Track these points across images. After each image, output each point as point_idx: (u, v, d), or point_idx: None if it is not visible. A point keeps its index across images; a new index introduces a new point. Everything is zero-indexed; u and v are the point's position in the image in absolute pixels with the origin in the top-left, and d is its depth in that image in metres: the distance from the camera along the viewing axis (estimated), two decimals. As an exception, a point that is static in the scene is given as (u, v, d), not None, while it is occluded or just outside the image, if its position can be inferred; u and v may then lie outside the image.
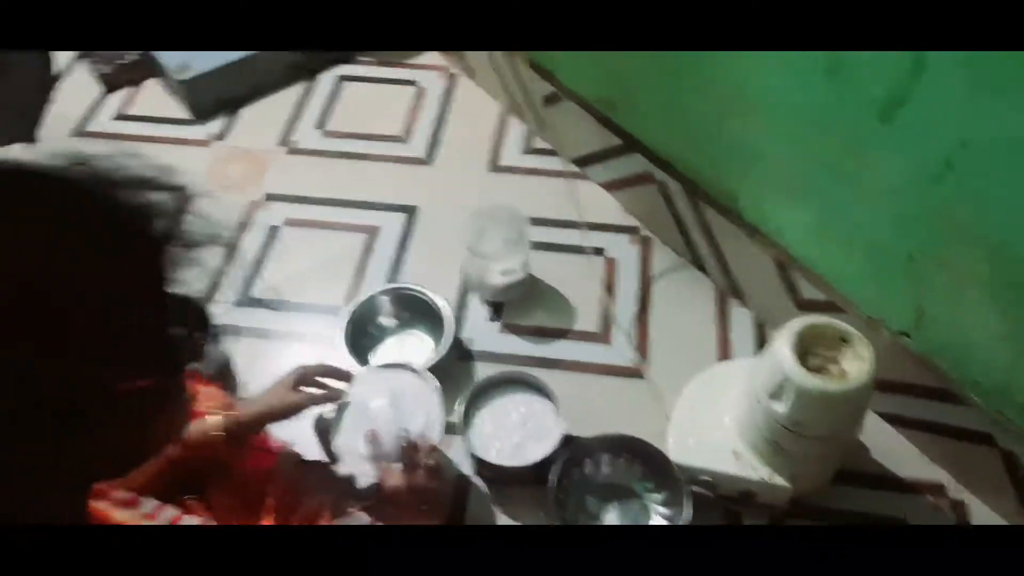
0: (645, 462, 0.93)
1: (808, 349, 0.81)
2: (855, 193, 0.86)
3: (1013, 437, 0.84)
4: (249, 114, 1.44)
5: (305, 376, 0.85)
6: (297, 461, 0.86)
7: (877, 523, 0.91)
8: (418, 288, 1.08)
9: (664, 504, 0.91)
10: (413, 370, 0.91)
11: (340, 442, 0.86)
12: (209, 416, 0.74)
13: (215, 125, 1.42)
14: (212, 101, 1.43)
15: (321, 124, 1.42)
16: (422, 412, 0.87)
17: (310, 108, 1.45)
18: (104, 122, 1.44)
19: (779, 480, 0.87)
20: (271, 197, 1.30)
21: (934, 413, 0.92)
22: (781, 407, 0.80)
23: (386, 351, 1.08)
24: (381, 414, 0.86)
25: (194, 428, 0.73)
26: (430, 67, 1.52)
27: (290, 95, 1.47)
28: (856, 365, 0.79)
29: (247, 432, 0.79)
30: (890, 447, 0.97)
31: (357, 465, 0.83)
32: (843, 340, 0.81)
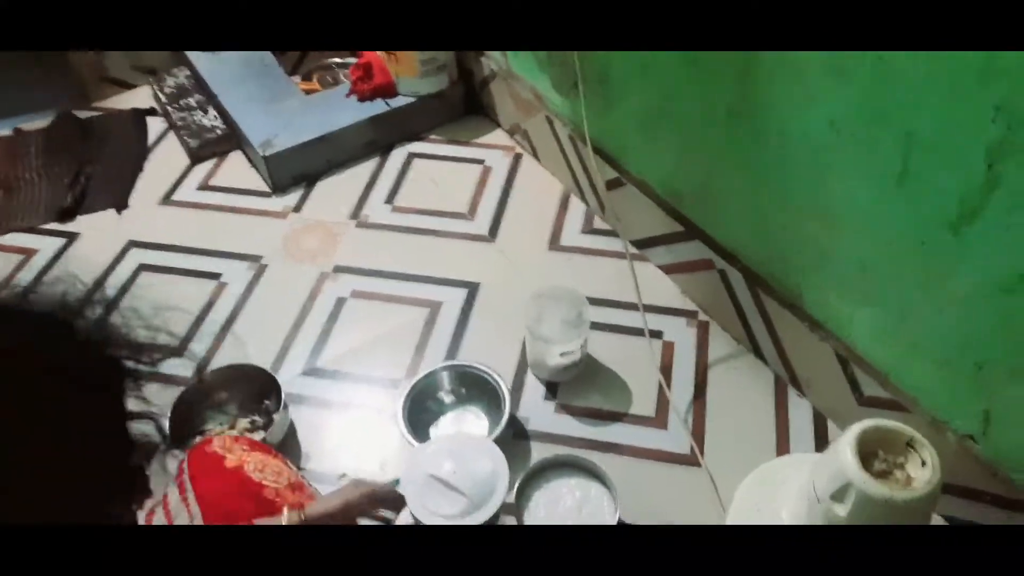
0: (700, 556, 0.92)
1: (872, 451, 0.80)
2: (925, 299, 0.86)
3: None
4: (324, 188, 1.53)
5: (374, 495, 0.85)
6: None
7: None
8: (478, 365, 1.11)
9: (719, 601, 0.90)
10: (471, 436, 0.94)
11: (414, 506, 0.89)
12: (284, 513, 0.77)
13: (292, 197, 1.50)
14: (291, 175, 1.51)
15: (390, 199, 1.49)
16: (488, 462, 0.91)
17: (381, 183, 1.53)
18: (189, 192, 1.54)
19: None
20: (339, 269, 1.36)
21: (998, 519, 0.89)
22: (842, 510, 0.79)
23: (444, 426, 1.10)
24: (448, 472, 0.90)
25: (266, 521, 0.76)
26: (497, 146, 1.58)
27: (363, 170, 1.55)
28: (922, 472, 0.78)
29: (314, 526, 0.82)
30: (957, 555, 0.94)
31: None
32: (908, 445, 0.80)
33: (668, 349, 1.20)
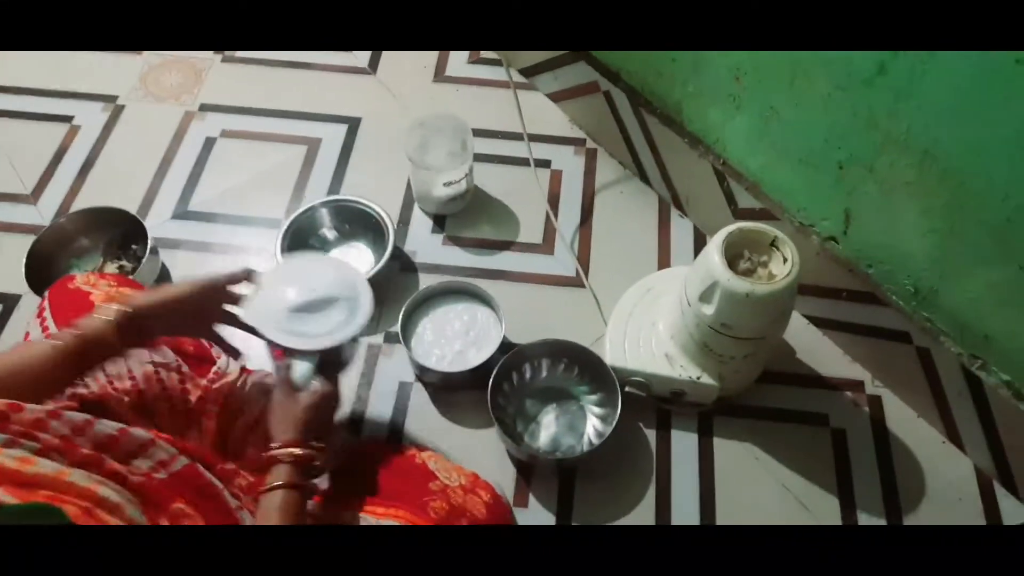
0: (582, 366, 0.96)
1: (739, 253, 0.83)
2: (791, 100, 0.87)
3: (928, 335, 0.89)
4: (182, 20, 1.38)
5: (217, 282, 0.75)
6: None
7: (799, 418, 0.96)
8: (360, 200, 1.07)
9: (599, 405, 0.95)
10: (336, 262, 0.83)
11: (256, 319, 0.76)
12: (101, 307, 0.67)
13: (146, 32, 1.36)
14: (141, 5, 1.35)
15: (259, 31, 1.37)
16: (345, 304, 0.78)
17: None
18: (26, 27, 1.36)
19: (708, 380, 0.91)
20: (206, 107, 1.26)
21: (857, 315, 0.96)
22: (710, 309, 0.82)
23: (329, 263, 1.08)
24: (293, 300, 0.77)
25: (86, 319, 0.66)
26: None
27: (225, 0, 1.40)
28: (783, 267, 0.81)
29: (144, 322, 0.69)
30: (815, 348, 1.01)
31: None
32: (773, 245, 0.83)
33: (556, 177, 1.19)
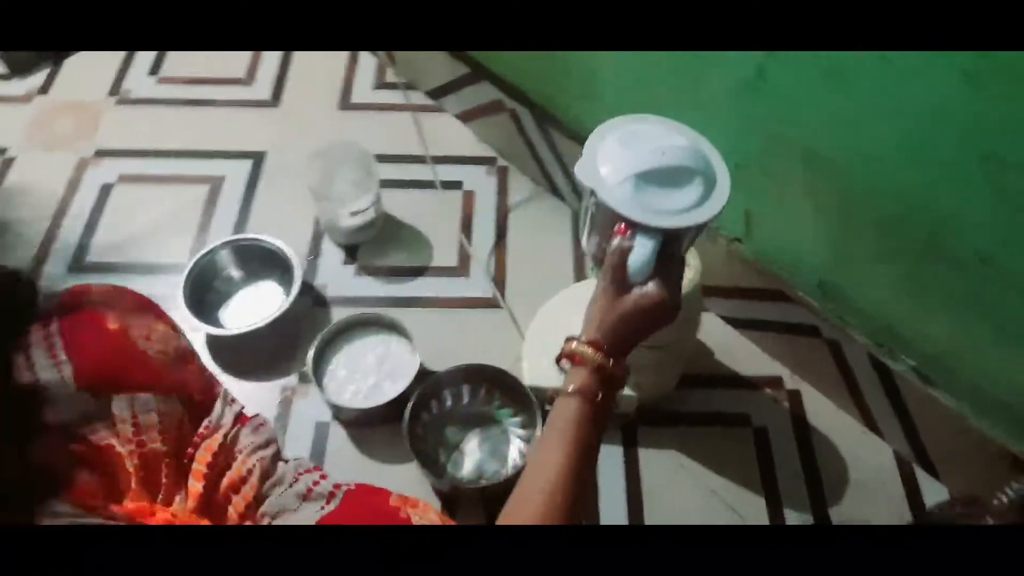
0: (502, 388, 0.94)
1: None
2: (688, 104, 0.87)
3: (836, 328, 0.90)
4: (75, 64, 1.33)
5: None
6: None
7: (721, 420, 0.96)
8: (262, 237, 1.04)
9: (522, 427, 0.93)
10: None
11: None
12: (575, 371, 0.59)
13: (36, 78, 1.31)
14: (32, 52, 1.31)
15: (155, 70, 1.33)
16: (701, 180, 0.60)
17: (143, 53, 1.35)
18: (-95, 83, 1.29)
19: (626, 390, 0.89)
20: (102, 152, 1.21)
21: (769, 312, 0.97)
22: (617, 321, 0.82)
23: (236, 306, 1.04)
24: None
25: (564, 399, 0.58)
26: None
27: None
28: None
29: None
30: (733, 348, 1.02)
31: None
32: (674, 251, 0.82)
33: (468, 198, 1.18)
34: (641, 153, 0.59)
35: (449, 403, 0.95)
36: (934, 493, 0.91)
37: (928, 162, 0.68)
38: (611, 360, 0.58)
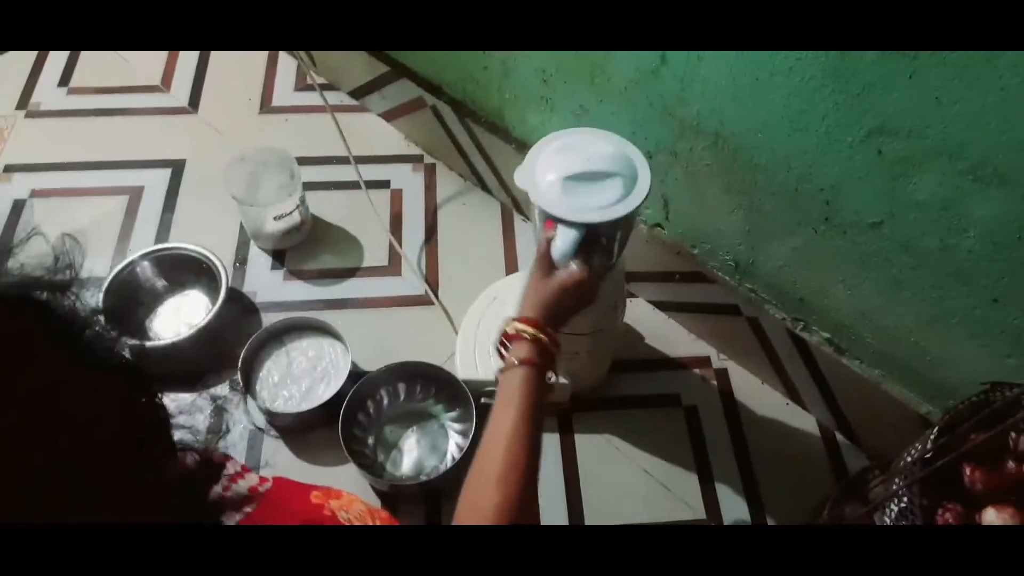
0: (437, 385, 0.95)
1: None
2: (595, 96, 0.89)
3: (754, 305, 0.93)
4: (-24, 77, 1.28)
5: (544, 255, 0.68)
6: None
7: (653, 402, 0.99)
8: (185, 246, 1.02)
9: (458, 420, 0.94)
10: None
11: None
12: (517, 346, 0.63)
13: (-64, 94, 1.25)
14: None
15: (65, 81, 1.29)
16: (621, 181, 0.70)
17: (51, 64, 1.30)
18: None
19: (560, 379, 0.91)
20: (11, 168, 1.17)
21: (692, 294, 1.00)
22: (543, 311, 0.83)
23: (165, 316, 1.02)
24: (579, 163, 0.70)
25: (507, 370, 0.62)
26: (185, 6, 1.40)
27: (24, 53, 1.31)
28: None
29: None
30: (662, 331, 1.04)
31: None
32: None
33: (396, 196, 1.18)
34: (571, 159, 0.70)
35: (385, 402, 0.95)
36: (855, 459, 0.95)
37: (812, 133, 0.71)
38: (544, 333, 0.64)
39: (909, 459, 0.68)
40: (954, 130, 0.61)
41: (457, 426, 0.94)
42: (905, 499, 0.64)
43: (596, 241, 0.70)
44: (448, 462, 0.91)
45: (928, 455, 0.65)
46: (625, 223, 0.72)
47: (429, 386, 0.96)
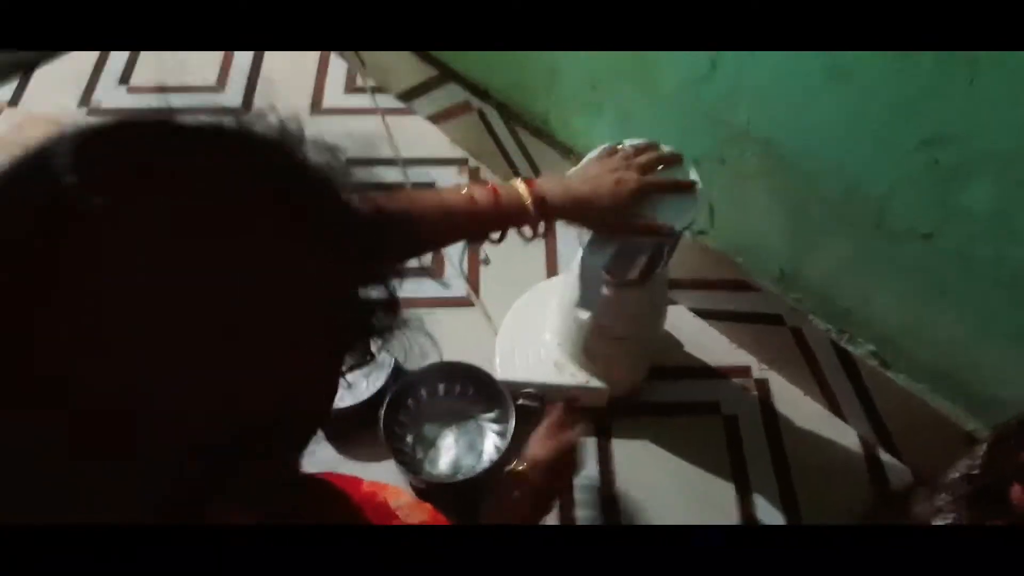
0: (476, 385, 0.96)
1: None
2: (643, 102, 0.89)
3: (798, 315, 0.92)
4: (44, 75, 1.33)
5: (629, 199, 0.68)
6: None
7: (691, 410, 0.98)
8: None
9: (496, 421, 0.95)
10: None
11: None
12: (515, 183, 0.66)
13: (5, 90, 1.31)
14: (3, 63, 1.31)
15: (125, 79, 1.33)
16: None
17: (112, 63, 1.35)
18: None
19: (596, 383, 0.92)
20: None
21: (735, 302, 0.99)
22: (584, 315, 0.84)
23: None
24: None
25: (503, 186, 0.65)
26: (241, 10, 1.44)
27: (87, 52, 1.36)
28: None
29: (551, 211, 0.67)
30: (701, 339, 1.04)
31: None
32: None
33: (440, 199, 1.19)
34: None
35: (426, 400, 0.97)
36: (897, 475, 0.94)
37: (865, 139, 0.70)
38: (532, 195, 0.65)
39: (956, 475, 0.67)
40: (1012, 137, 0.60)
41: (495, 427, 0.95)
42: (951, 515, 0.63)
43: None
44: (485, 462, 0.92)
45: (975, 471, 0.64)
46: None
47: (468, 386, 0.97)
